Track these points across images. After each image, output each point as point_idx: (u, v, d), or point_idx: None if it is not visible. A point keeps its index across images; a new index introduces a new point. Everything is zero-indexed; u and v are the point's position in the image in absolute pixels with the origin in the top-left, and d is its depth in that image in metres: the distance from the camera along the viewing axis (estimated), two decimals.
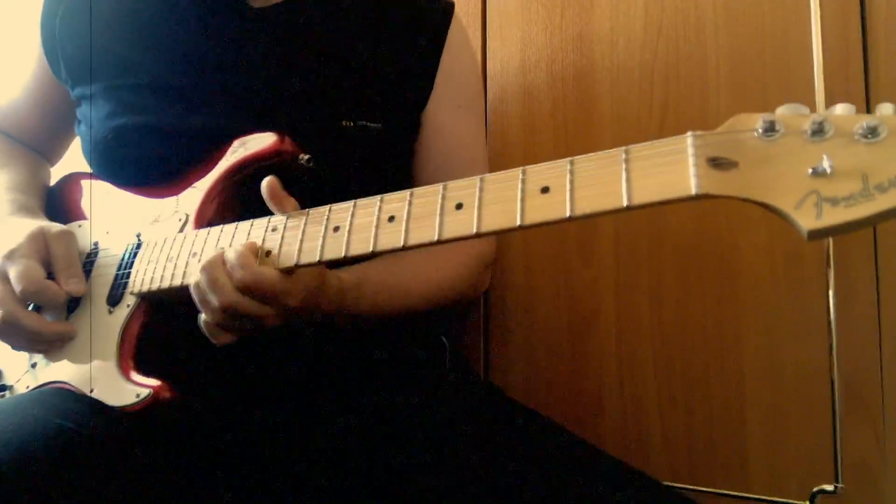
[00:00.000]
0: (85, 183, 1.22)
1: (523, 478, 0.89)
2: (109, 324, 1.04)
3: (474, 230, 0.73)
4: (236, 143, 1.05)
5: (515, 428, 1.01)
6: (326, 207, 0.87)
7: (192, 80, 1.14)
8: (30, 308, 1.06)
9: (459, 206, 0.75)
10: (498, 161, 1.41)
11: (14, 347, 1.10)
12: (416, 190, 0.80)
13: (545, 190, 0.70)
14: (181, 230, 1.05)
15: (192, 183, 1.08)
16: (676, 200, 0.62)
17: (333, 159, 1.09)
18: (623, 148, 0.67)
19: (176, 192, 1.09)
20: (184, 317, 0.95)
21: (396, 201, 0.81)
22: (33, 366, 1.10)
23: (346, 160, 1.12)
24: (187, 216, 1.05)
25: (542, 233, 1.37)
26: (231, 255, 0.87)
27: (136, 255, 1.07)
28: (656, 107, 1.29)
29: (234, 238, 0.95)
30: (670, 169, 0.63)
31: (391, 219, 0.80)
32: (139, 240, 1.09)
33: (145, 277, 1.03)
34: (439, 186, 0.78)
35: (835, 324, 1.12)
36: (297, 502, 1.04)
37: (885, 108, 0.57)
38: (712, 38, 1.25)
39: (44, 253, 1.07)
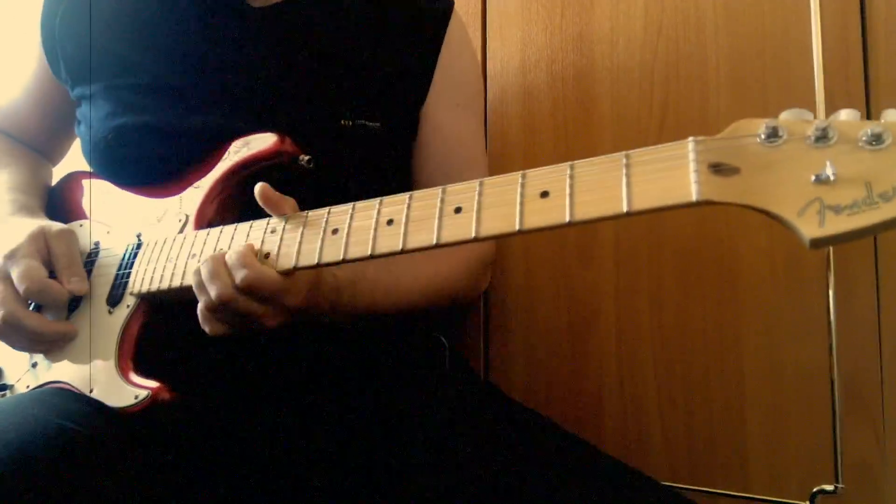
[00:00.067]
0: (86, 182, 1.22)
1: (523, 478, 0.89)
2: (109, 324, 1.04)
3: (473, 234, 0.73)
4: (239, 142, 1.05)
5: (515, 428, 1.01)
6: (325, 210, 0.87)
7: (192, 80, 1.14)
8: (31, 308, 1.06)
9: (458, 210, 0.75)
10: (498, 161, 1.41)
11: (15, 348, 1.10)
12: (416, 193, 0.80)
13: (545, 194, 0.69)
14: (181, 231, 1.05)
15: (192, 183, 1.08)
16: (677, 207, 0.62)
17: (332, 159, 1.09)
18: (624, 153, 0.67)
19: (176, 193, 1.09)
20: (184, 317, 0.95)
21: (395, 204, 0.81)
22: (34, 365, 1.10)
23: (346, 159, 1.12)
24: (187, 216, 1.05)
25: (543, 233, 1.36)
26: (232, 256, 0.87)
27: (136, 255, 1.07)
28: (656, 107, 1.28)
29: (234, 239, 0.94)
30: (671, 174, 0.63)
31: (390, 222, 0.80)
32: (139, 240, 1.08)
33: (145, 278, 1.02)
34: (438, 190, 0.77)
35: (835, 324, 1.12)
36: (297, 502, 1.04)
37: (890, 115, 0.56)
38: (712, 38, 1.25)
39: (45, 252, 1.07)
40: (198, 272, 0.89)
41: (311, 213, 0.88)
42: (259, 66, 1.14)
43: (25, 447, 0.82)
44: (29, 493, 0.78)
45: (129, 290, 1.04)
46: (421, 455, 0.97)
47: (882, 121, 0.56)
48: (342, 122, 1.11)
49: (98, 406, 0.97)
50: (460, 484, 0.91)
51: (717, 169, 0.61)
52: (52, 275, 1.06)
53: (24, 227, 1.08)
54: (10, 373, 1.13)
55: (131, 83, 1.16)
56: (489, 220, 0.72)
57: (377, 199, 0.82)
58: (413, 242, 0.77)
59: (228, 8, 1.16)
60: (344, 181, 1.11)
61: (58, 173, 1.34)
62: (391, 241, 0.78)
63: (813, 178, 0.56)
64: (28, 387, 1.09)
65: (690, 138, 0.63)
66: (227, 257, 0.88)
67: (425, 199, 0.78)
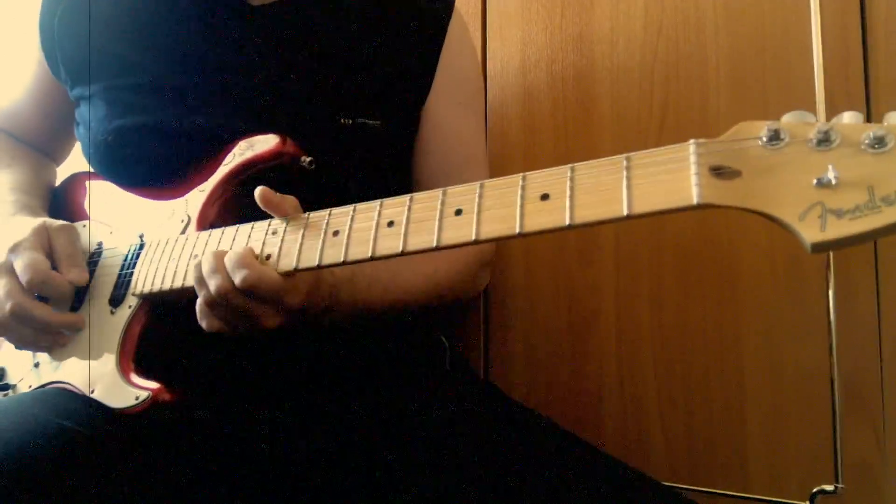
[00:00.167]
0: (88, 183, 1.22)
1: (523, 478, 0.89)
2: (111, 324, 1.04)
3: (473, 237, 0.72)
4: (243, 143, 1.05)
5: (515, 428, 1.01)
6: (326, 211, 0.87)
7: (192, 80, 1.14)
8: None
9: (459, 212, 0.75)
10: (498, 161, 1.41)
11: (18, 344, 1.10)
12: (416, 195, 0.79)
13: (545, 197, 0.69)
14: (183, 231, 1.05)
15: (194, 183, 1.08)
16: (678, 210, 0.61)
17: (333, 157, 1.08)
18: (625, 155, 0.66)
19: (179, 194, 1.09)
20: (185, 318, 0.95)
21: (396, 206, 0.80)
22: (36, 365, 1.10)
23: (346, 158, 1.12)
24: (189, 217, 1.05)
25: (543, 234, 1.36)
26: (232, 258, 0.87)
27: (138, 255, 1.07)
28: (656, 107, 1.28)
29: (235, 241, 0.94)
30: (672, 177, 0.62)
31: (390, 223, 0.79)
32: (141, 240, 1.08)
33: (147, 278, 1.03)
34: (439, 192, 0.77)
35: (835, 324, 1.12)
36: (297, 502, 1.04)
37: (893, 118, 0.55)
38: (712, 38, 1.25)
39: (47, 246, 1.07)
40: (199, 266, 0.89)
41: (312, 215, 0.88)
42: (259, 65, 1.13)
43: (25, 447, 0.82)
44: (29, 492, 0.78)
45: (131, 290, 1.04)
46: (421, 455, 0.97)
47: (885, 123, 0.56)
48: (342, 120, 1.11)
49: (99, 406, 0.97)
50: (460, 484, 0.91)
51: (719, 172, 0.60)
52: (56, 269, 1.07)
53: (27, 222, 1.09)
54: (12, 373, 1.13)
55: (131, 83, 1.15)
56: (489, 222, 0.72)
57: (378, 201, 0.82)
58: (413, 244, 0.77)
59: (228, 7, 1.16)
60: (344, 180, 1.11)
61: (62, 173, 1.35)
62: (391, 243, 0.78)
63: (815, 181, 0.56)
64: (30, 387, 1.09)
65: (691, 141, 0.63)
66: (226, 258, 0.88)
67: (426, 201, 0.78)
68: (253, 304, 0.87)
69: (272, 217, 0.92)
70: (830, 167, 0.56)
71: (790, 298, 1.16)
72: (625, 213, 0.64)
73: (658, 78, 1.29)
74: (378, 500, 0.96)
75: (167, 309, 1.05)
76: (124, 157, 1.14)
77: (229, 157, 1.06)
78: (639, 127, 1.30)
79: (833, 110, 1.10)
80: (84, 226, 1.17)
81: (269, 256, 0.89)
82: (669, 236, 1.26)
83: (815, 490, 1.12)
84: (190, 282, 0.95)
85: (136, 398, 0.95)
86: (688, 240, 1.24)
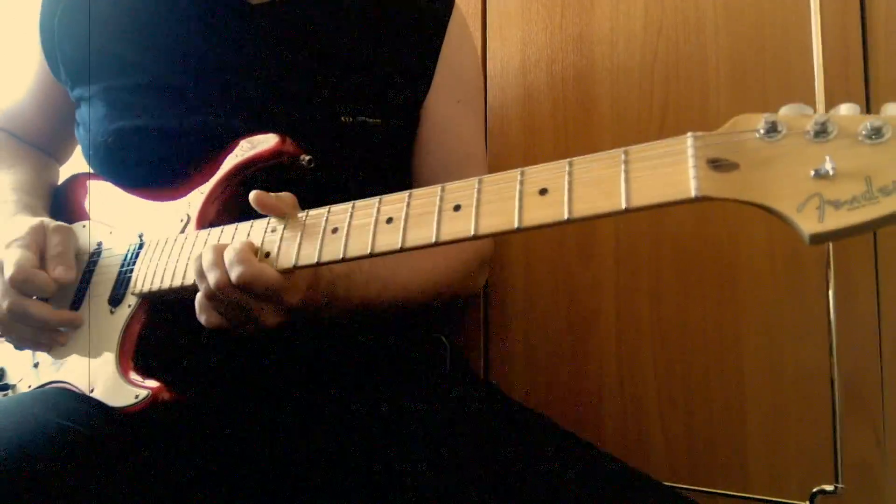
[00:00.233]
0: (89, 184, 1.22)
1: (523, 478, 0.88)
2: (111, 324, 1.05)
3: (472, 232, 0.72)
4: (245, 143, 1.05)
5: (515, 428, 1.01)
6: (325, 209, 0.87)
7: (192, 80, 1.14)
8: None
9: (457, 208, 0.74)
10: (498, 161, 1.41)
11: (17, 343, 1.10)
12: (415, 191, 0.79)
13: (543, 191, 0.69)
14: (182, 231, 1.05)
15: (195, 183, 1.08)
16: (676, 203, 0.61)
17: (333, 156, 1.09)
18: (623, 149, 0.66)
19: (179, 194, 1.09)
20: (185, 318, 0.95)
21: (395, 202, 0.80)
22: (35, 365, 1.11)
23: (346, 156, 1.12)
24: (188, 217, 1.05)
25: (542, 233, 1.37)
26: (230, 253, 0.87)
27: (137, 255, 1.07)
28: (656, 107, 1.28)
29: (235, 239, 0.94)
30: (670, 170, 0.62)
31: (389, 220, 0.79)
32: (141, 240, 1.09)
33: (146, 278, 1.03)
34: (437, 188, 0.77)
35: (835, 324, 1.12)
36: (297, 502, 1.04)
37: (890, 109, 0.55)
38: (712, 38, 1.25)
39: (42, 245, 1.07)
40: (199, 259, 0.89)
41: (311, 213, 0.88)
42: (258, 65, 1.14)
43: (25, 446, 0.82)
44: (28, 491, 0.78)
45: (130, 289, 1.05)
46: (421, 455, 0.97)
47: (882, 114, 0.56)
48: (342, 119, 1.11)
49: (98, 405, 0.97)
50: (460, 484, 0.91)
51: (716, 164, 0.60)
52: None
53: (25, 222, 1.09)
54: (12, 373, 1.13)
55: (130, 83, 1.15)
56: (488, 217, 0.72)
57: (376, 198, 0.82)
58: (412, 240, 0.77)
59: (227, 7, 1.16)
60: (344, 179, 1.11)
61: (64, 173, 1.35)
62: (390, 240, 0.78)
63: (812, 172, 0.56)
64: (30, 387, 1.09)
65: (689, 134, 0.63)
66: (225, 252, 0.87)
67: (424, 197, 0.78)
68: (251, 300, 0.87)
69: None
70: (828, 158, 0.55)
71: (790, 298, 1.16)
72: (623, 206, 0.64)
73: (658, 78, 1.29)
74: (378, 500, 0.96)
75: (166, 308, 1.05)
76: (124, 159, 1.15)
77: (230, 157, 1.06)
78: (639, 127, 1.30)
79: None
80: (84, 226, 1.18)
81: (267, 254, 0.89)
82: (669, 236, 1.26)
83: (815, 490, 1.11)
84: (189, 280, 0.95)
85: (136, 397, 0.95)
86: (687, 239, 1.24)
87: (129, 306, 1.04)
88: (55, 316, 1.06)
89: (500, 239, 1.36)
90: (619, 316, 1.30)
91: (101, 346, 1.04)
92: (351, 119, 1.11)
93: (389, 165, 1.18)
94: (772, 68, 1.20)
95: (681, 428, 1.23)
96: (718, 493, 1.19)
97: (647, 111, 1.29)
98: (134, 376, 0.99)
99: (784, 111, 0.60)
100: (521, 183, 0.71)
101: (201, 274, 0.89)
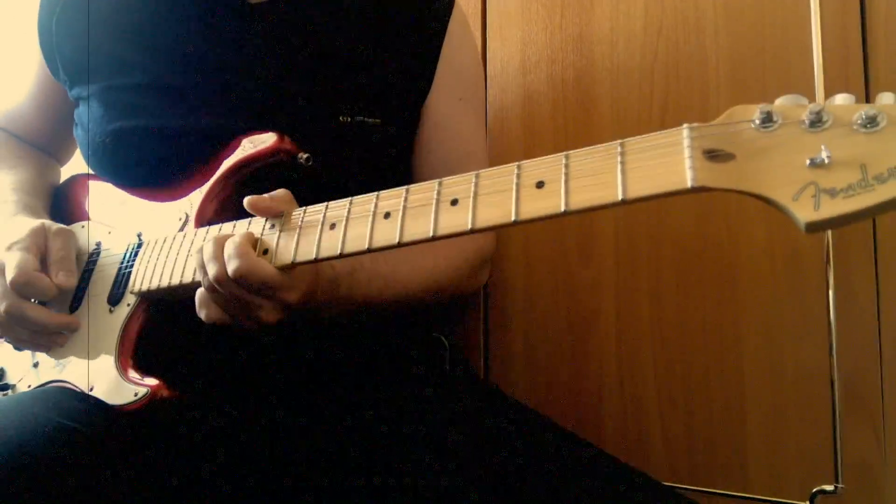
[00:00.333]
0: (88, 184, 1.22)
1: (523, 477, 0.88)
2: (110, 322, 1.05)
3: (469, 226, 0.73)
4: (246, 142, 1.05)
5: (515, 428, 1.01)
6: (323, 205, 0.87)
7: (192, 80, 1.14)
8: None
9: (455, 202, 0.75)
10: (498, 161, 1.37)
11: (16, 344, 1.10)
12: (412, 186, 0.80)
13: (540, 184, 0.69)
14: (181, 229, 1.05)
15: (195, 183, 1.08)
16: (672, 193, 0.62)
17: (332, 156, 1.09)
18: (619, 141, 0.67)
19: (179, 194, 1.09)
20: (184, 316, 0.95)
21: (392, 197, 0.81)
22: (35, 365, 1.11)
23: (345, 156, 1.12)
24: (187, 215, 1.06)
25: (542, 232, 1.37)
26: (229, 246, 0.87)
27: (136, 254, 1.07)
28: (656, 107, 1.28)
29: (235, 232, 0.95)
30: (666, 161, 0.63)
31: (387, 215, 0.80)
32: (140, 239, 1.09)
33: (145, 276, 1.03)
34: (435, 182, 0.78)
35: (835, 324, 1.12)
36: (297, 502, 1.04)
37: (884, 98, 0.56)
38: (712, 38, 1.25)
39: (43, 248, 1.07)
40: (200, 251, 0.89)
41: (309, 209, 0.88)
42: (258, 64, 1.14)
43: (25, 445, 0.82)
44: (28, 491, 0.78)
45: (129, 288, 1.05)
46: (421, 455, 0.97)
47: (876, 104, 0.56)
48: (342, 118, 1.11)
49: (98, 404, 0.97)
50: (460, 484, 0.91)
51: (712, 155, 0.61)
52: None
53: (26, 224, 1.09)
54: (11, 373, 1.13)
55: (129, 83, 1.16)
56: (485, 211, 0.72)
57: (374, 194, 0.83)
58: (410, 235, 0.77)
59: (227, 6, 1.16)
60: (344, 179, 1.11)
61: (65, 173, 1.36)
62: (388, 234, 0.79)
63: (808, 162, 0.56)
64: (30, 386, 1.09)
65: (685, 125, 0.63)
66: (224, 246, 0.87)
67: (421, 192, 0.78)
68: (249, 294, 0.87)
69: None
70: (823, 147, 0.56)
71: (790, 298, 1.16)
72: (619, 197, 0.64)
73: (658, 78, 1.29)
74: (378, 500, 0.96)
75: (166, 307, 1.05)
76: (123, 160, 1.15)
77: (231, 156, 1.06)
78: (639, 127, 1.29)
79: None
80: (83, 226, 1.18)
81: (266, 251, 0.89)
82: (669, 235, 1.26)
83: (815, 490, 1.11)
84: (188, 278, 0.95)
85: (135, 395, 0.95)
86: (687, 239, 1.24)
87: (129, 305, 1.04)
88: (53, 319, 1.06)
89: (501, 238, 1.36)
90: (619, 316, 1.30)
91: (100, 345, 1.04)
92: (350, 119, 1.11)
93: (389, 165, 1.18)
94: (772, 68, 1.20)
95: (681, 428, 1.23)
96: (718, 494, 1.19)
97: (647, 111, 1.29)
98: (133, 374, 0.99)
99: (780, 102, 0.61)
100: (518, 176, 0.71)
101: (202, 266, 0.89)
